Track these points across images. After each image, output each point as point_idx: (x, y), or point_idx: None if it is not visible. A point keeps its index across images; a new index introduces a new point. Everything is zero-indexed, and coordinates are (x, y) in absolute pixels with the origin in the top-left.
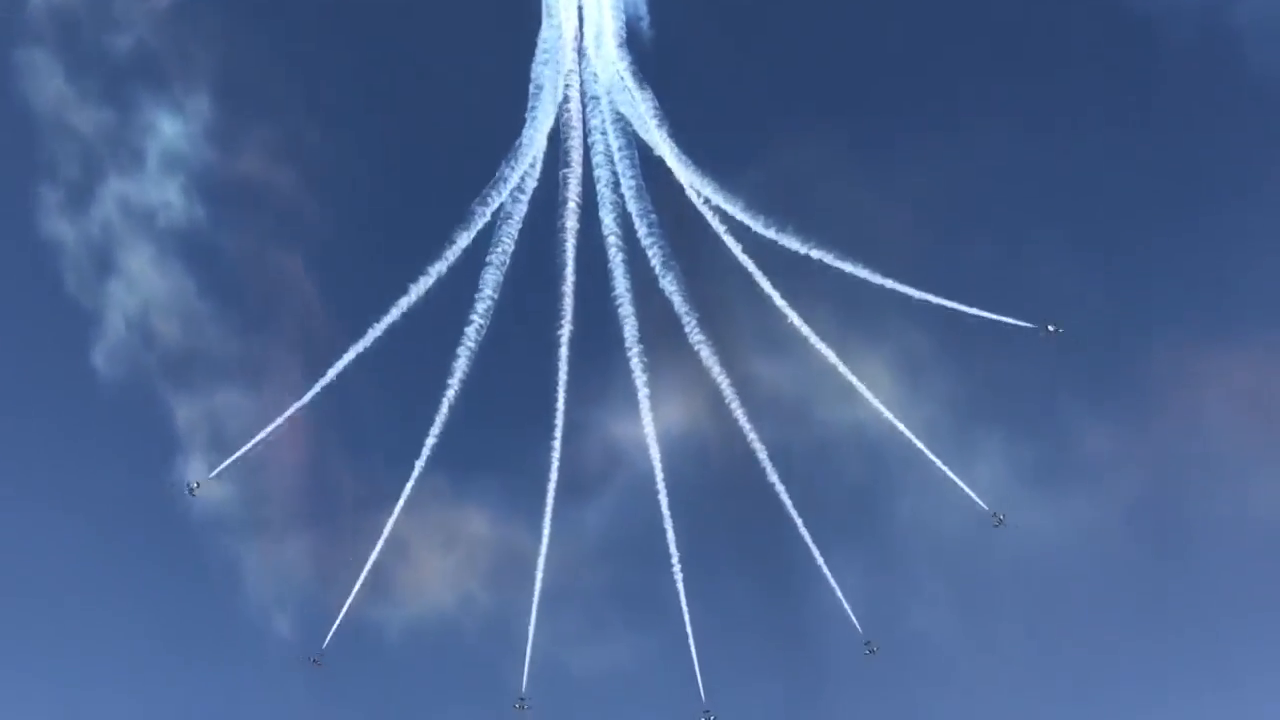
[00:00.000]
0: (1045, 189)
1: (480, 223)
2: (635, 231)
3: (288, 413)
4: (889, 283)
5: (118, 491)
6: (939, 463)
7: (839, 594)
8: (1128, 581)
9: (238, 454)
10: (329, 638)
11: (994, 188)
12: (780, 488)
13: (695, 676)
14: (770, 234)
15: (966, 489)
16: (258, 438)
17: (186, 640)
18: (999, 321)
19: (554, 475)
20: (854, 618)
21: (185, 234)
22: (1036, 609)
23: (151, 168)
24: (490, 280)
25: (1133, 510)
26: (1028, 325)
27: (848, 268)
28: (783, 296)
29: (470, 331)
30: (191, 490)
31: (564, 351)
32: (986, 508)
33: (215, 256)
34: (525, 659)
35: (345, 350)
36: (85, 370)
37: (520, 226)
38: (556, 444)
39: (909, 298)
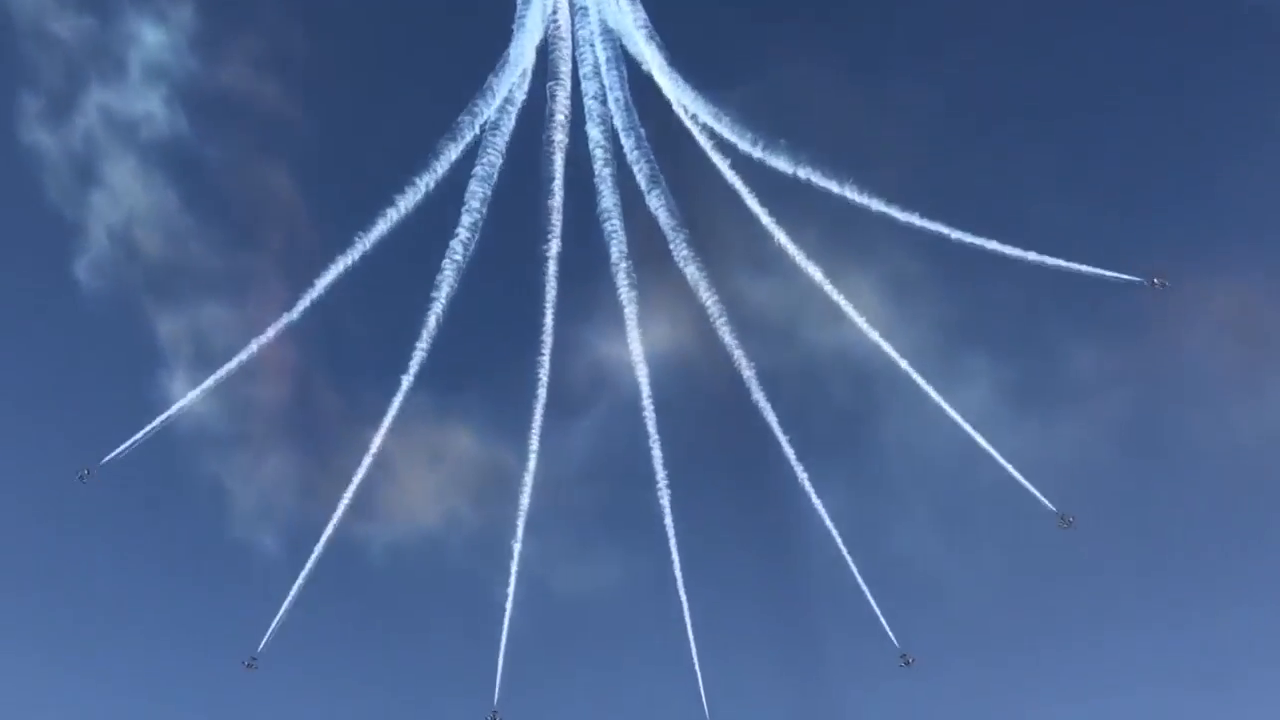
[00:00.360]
0: (1039, 111)
1: (468, 135)
2: (622, 148)
3: (273, 330)
4: (876, 205)
5: (100, 405)
6: (932, 392)
7: (824, 515)
8: (1113, 504)
9: (216, 376)
10: (315, 555)
11: (988, 109)
12: (766, 408)
13: (683, 609)
14: (757, 152)
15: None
16: (239, 359)
17: (171, 556)
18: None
19: (542, 394)
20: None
21: (168, 145)
22: (1020, 532)
23: (134, 78)
24: (477, 194)
25: (1119, 432)
26: (1134, 279)
27: (835, 188)
28: (770, 215)
29: (457, 246)
30: (82, 477)
31: (551, 268)
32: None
33: (199, 169)
34: (510, 583)
35: (331, 264)
36: (68, 282)
37: (508, 140)
38: (545, 362)
39: (906, 223)
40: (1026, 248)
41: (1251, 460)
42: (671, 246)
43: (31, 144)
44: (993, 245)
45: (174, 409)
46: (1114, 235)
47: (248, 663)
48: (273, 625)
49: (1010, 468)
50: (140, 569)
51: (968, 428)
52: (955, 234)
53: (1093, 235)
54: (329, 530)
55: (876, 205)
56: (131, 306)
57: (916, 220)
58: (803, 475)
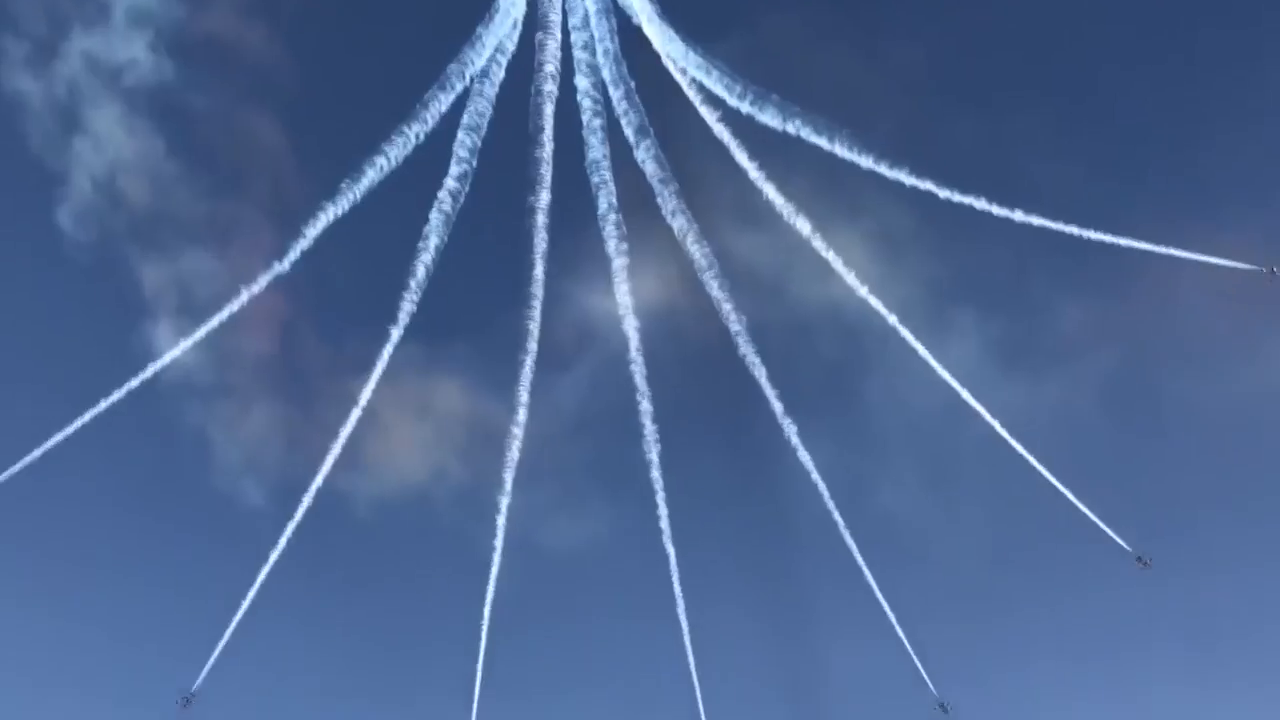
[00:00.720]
0: (1032, 68)
1: (457, 85)
2: (611, 100)
3: (259, 279)
4: (866, 161)
5: (84, 354)
6: (921, 348)
7: (811, 470)
8: (1099, 462)
9: (209, 327)
10: (303, 507)
11: (981, 66)
12: (755, 362)
13: (669, 562)
14: (746, 106)
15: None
16: (229, 310)
17: (154, 507)
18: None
19: (531, 346)
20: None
21: (153, 92)
22: (1006, 488)
23: (118, 23)
24: (466, 143)
25: (1106, 390)
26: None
27: (825, 143)
28: (760, 169)
29: (445, 196)
30: None
31: (541, 219)
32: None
33: (184, 116)
34: (497, 536)
35: (318, 214)
36: (52, 231)
37: (497, 91)
38: (535, 314)
39: (895, 180)
40: (1018, 206)
41: (1240, 419)
42: (660, 200)
43: (13, 91)
44: (982, 204)
45: (165, 359)
46: (1108, 193)
47: (183, 701)
48: (260, 577)
49: (1005, 431)
50: (123, 519)
51: (956, 384)
52: (944, 192)
53: (1085, 193)
54: (316, 482)
55: (866, 162)
56: (116, 255)
57: (905, 177)
58: (790, 429)
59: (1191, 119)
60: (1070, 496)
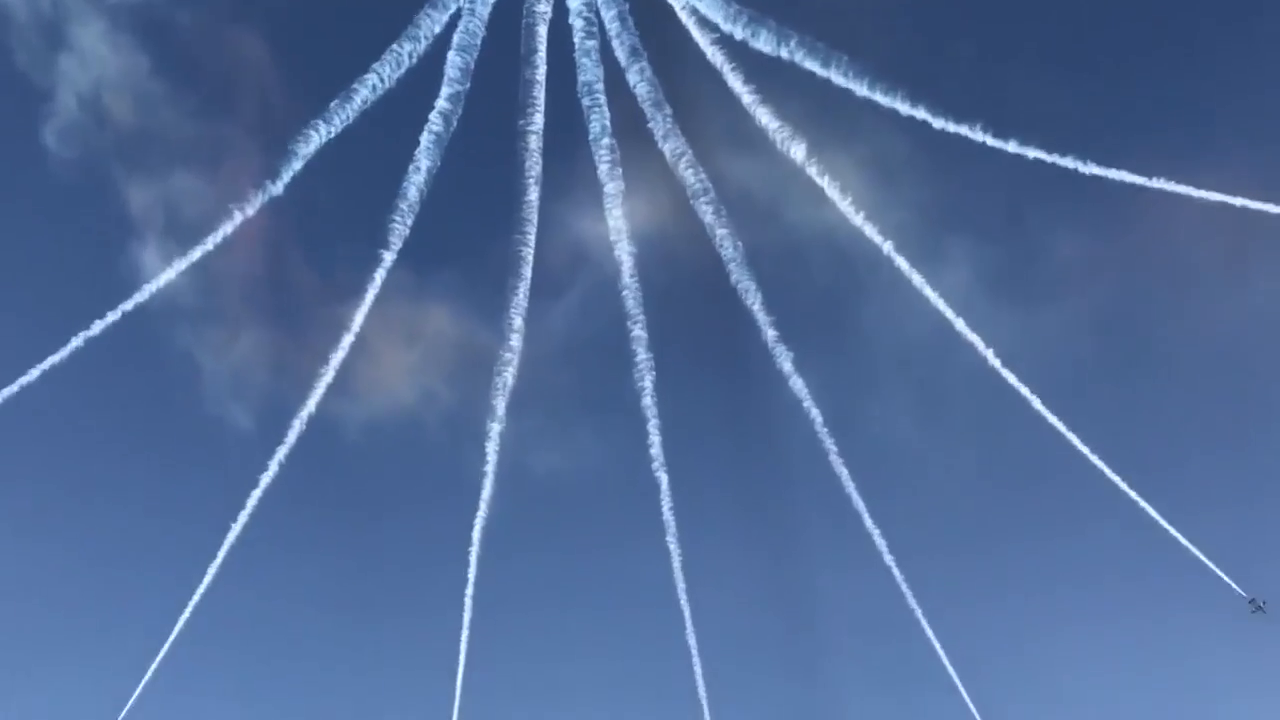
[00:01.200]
0: None
1: (450, 5)
2: (604, 22)
3: (248, 201)
4: (860, 88)
5: (70, 275)
6: (915, 276)
7: (803, 397)
8: (1092, 393)
9: (204, 248)
10: (293, 432)
11: None
12: (749, 288)
13: (660, 489)
14: (740, 31)
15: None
16: (222, 233)
17: (142, 431)
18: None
19: (525, 271)
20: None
21: (138, 9)
22: (997, 418)
23: None
24: (458, 64)
25: (1098, 321)
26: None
27: (819, 69)
28: (754, 94)
29: (437, 118)
30: None
31: (534, 143)
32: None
33: (170, 33)
34: (487, 462)
35: (307, 135)
36: (36, 149)
37: (490, 10)
38: (528, 240)
39: (890, 108)
40: (1013, 137)
41: (1234, 353)
42: (653, 124)
43: None
44: (977, 135)
45: (160, 280)
46: (1105, 124)
47: None
48: (250, 501)
49: (997, 361)
50: (111, 443)
51: (950, 314)
52: (939, 122)
53: (1082, 125)
54: (310, 407)
55: (861, 89)
56: (102, 174)
57: (899, 104)
58: (783, 357)
59: (1190, 53)
60: (1067, 433)
